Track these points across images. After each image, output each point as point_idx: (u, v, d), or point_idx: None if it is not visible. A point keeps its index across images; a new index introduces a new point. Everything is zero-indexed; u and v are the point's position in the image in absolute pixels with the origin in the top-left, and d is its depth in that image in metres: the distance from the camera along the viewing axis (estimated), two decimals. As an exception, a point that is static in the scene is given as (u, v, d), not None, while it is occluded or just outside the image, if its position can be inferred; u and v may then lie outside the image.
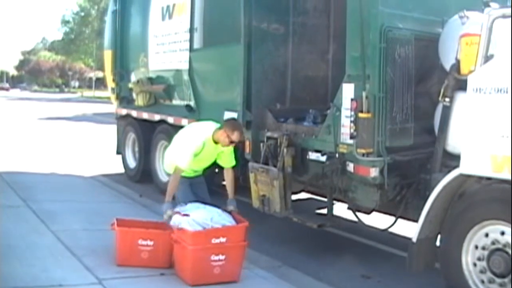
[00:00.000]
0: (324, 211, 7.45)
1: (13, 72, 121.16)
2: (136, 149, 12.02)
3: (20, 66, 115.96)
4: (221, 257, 5.87)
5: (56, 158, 14.62)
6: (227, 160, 6.74)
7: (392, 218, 6.75)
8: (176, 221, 5.96)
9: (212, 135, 6.43)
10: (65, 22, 74.34)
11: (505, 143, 4.92)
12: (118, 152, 12.78)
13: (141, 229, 6.41)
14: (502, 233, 5.08)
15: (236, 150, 7.14)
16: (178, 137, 6.83)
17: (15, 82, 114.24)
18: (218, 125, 6.55)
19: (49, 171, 12.37)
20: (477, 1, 5.95)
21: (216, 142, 6.44)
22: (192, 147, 6.33)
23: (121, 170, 12.57)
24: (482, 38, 5.39)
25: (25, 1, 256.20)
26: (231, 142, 6.38)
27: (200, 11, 9.16)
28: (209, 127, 6.59)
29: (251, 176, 7.55)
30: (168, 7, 10.38)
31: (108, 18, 13.28)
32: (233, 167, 6.84)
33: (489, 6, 5.58)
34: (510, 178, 4.89)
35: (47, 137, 20.47)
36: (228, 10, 8.54)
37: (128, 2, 12.03)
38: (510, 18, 5.22)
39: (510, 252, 5.02)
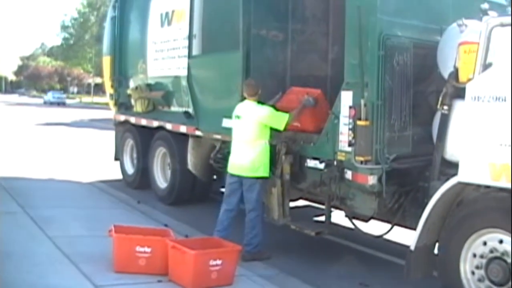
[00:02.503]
0: (322, 218, 7.44)
1: (11, 77, 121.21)
2: (134, 155, 12.02)
3: (18, 71, 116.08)
4: (219, 261, 5.95)
5: (54, 164, 14.61)
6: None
7: (390, 226, 6.75)
8: None
9: (254, 101, 7.22)
10: (64, 28, 74.37)
11: (503, 151, 4.92)
12: (116, 158, 12.78)
13: (138, 236, 6.40)
14: (501, 242, 5.08)
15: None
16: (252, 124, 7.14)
17: (13, 87, 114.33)
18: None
19: (47, 177, 12.36)
20: (475, 9, 5.96)
21: (260, 102, 7.25)
22: (270, 107, 7.17)
23: (119, 176, 12.55)
24: (481, 46, 5.40)
25: (24, 6, 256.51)
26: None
27: (199, 18, 9.16)
28: (252, 104, 7.25)
29: (250, 183, 7.54)
30: (167, 13, 10.39)
31: (107, 24, 13.28)
32: None
33: (487, 14, 5.59)
34: (508, 186, 4.90)
35: (45, 143, 20.46)
36: (227, 17, 8.55)
37: (127, 9, 12.04)
38: (510, 27, 5.22)
39: (508, 260, 5.02)
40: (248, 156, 7.10)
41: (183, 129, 9.71)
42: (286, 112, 7.10)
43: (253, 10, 7.94)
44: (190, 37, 9.27)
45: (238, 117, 7.29)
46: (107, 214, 9.07)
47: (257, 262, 7.06)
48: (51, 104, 65.68)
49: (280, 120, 7.04)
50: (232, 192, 7.31)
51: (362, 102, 6.09)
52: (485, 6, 5.74)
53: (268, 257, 7.16)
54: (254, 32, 8.00)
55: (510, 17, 5.41)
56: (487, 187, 5.22)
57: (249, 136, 7.13)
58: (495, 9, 5.88)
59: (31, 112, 44.78)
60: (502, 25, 5.36)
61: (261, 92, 7.34)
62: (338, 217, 7.49)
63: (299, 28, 8.59)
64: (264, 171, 7.13)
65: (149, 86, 11.01)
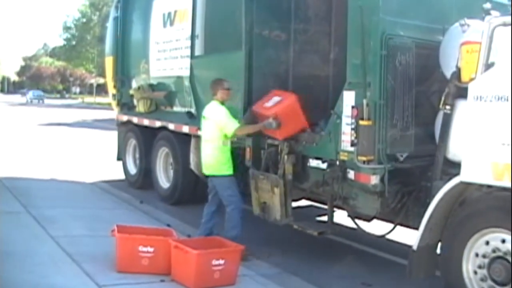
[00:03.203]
0: (325, 218, 7.45)
1: (14, 77, 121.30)
2: (137, 155, 12.04)
3: (21, 72, 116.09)
4: (221, 261, 5.97)
5: (56, 164, 14.63)
6: None
7: (392, 226, 6.75)
8: None
9: (217, 101, 7.31)
10: (66, 28, 74.46)
11: (505, 151, 4.92)
12: (118, 159, 12.79)
13: (141, 235, 6.41)
14: (503, 241, 5.08)
15: (236, 158, 7.24)
16: (209, 125, 7.35)
17: (16, 88, 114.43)
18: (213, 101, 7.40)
19: (50, 177, 12.38)
20: (477, 9, 5.96)
21: (223, 103, 7.29)
22: (225, 111, 7.22)
23: (122, 176, 12.58)
24: (483, 46, 5.40)
25: (26, 7, 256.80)
26: (227, 89, 7.34)
27: (202, 18, 9.18)
28: (213, 104, 7.39)
29: (252, 183, 7.56)
30: (169, 14, 10.41)
31: (109, 25, 13.32)
32: None
33: (489, 14, 5.59)
34: (510, 186, 4.89)
35: (48, 143, 20.49)
36: (229, 17, 8.55)
37: (130, 9, 12.05)
38: (511, 26, 5.22)
39: (510, 260, 5.02)
40: (209, 155, 7.35)
41: (185, 129, 9.72)
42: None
43: (255, 10, 7.94)
44: (193, 37, 9.28)
45: (203, 117, 7.54)
46: (110, 214, 9.08)
47: (260, 262, 7.07)
48: (32, 102, 71.92)
49: (228, 126, 7.15)
50: (210, 190, 7.53)
51: (365, 102, 6.08)
52: (487, 5, 5.74)
53: (250, 253, 7.09)
54: (257, 32, 8.00)
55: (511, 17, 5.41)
56: (490, 186, 5.23)
57: (209, 136, 7.36)
58: (497, 8, 5.87)
59: (33, 112, 44.82)
60: (505, 24, 5.36)
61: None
62: (341, 217, 7.50)
63: (301, 28, 8.58)
64: (226, 170, 7.27)
65: (151, 86, 11.02)
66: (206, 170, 7.44)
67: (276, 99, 7.42)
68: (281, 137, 7.26)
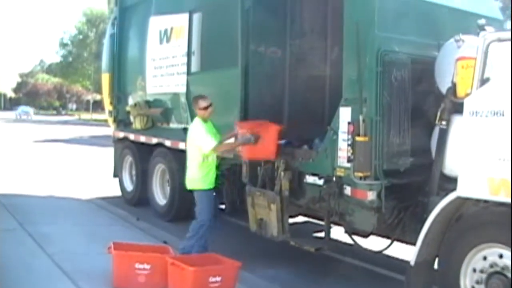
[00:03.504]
0: (322, 234, 7.43)
1: (10, 94, 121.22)
2: (133, 172, 12.02)
3: (17, 88, 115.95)
4: (218, 278, 5.96)
5: (53, 181, 14.60)
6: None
7: (389, 241, 6.74)
8: None
9: (198, 118, 7.33)
10: (63, 45, 74.54)
11: (502, 166, 4.92)
12: (115, 175, 12.76)
13: (138, 252, 6.39)
14: (500, 256, 5.07)
15: (233, 174, 7.26)
16: (189, 142, 7.42)
17: (12, 104, 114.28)
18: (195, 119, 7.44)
19: (46, 194, 12.34)
20: (472, 24, 5.99)
21: (205, 121, 7.30)
22: (203, 131, 7.19)
23: (118, 193, 12.54)
24: (478, 61, 5.42)
25: (23, 24, 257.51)
26: (205, 108, 7.29)
27: (198, 35, 9.21)
28: (194, 122, 7.46)
29: (249, 199, 7.56)
30: (166, 30, 10.43)
31: (106, 41, 13.33)
32: None
33: (484, 29, 5.61)
34: (507, 200, 4.89)
35: (44, 160, 20.46)
36: (225, 34, 8.58)
37: (126, 26, 12.08)
38: (510, 42, 5.23)
39: (508, 275, 5.00)
40: (190, 171, 7.39)
41: (182, 145, 9.70)
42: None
43: (251, 26, 7.98)
44: (189, 54, 9.32)
45: (186, 132, 7.84)
46: (106, 231, 9.05)
47: (257, 278, 7.04)
48: (21, 117, 76.18)
49: (203, 146, 7.14)
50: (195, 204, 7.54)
51: (361, 118, 6.09)
52: (482, 21, 5.76)
53: None
54: (252, 49, 8.04)
55: (510, 33, 5.43)
56: (486, 201, 5.22)
57: (189, 153, 7.43)
58: (492, 24, 5.91)
59: (29, 129, 44.75)
60: (499, 40, 5.39)
61: (259, 112, 7.44)
62: (338, 233, 7.48)
63: (297, 44, 8.62)
64: (204, 184, 7.28)
65: (148, 103, 11.02)
66: (188, 185, 7.48)
67: (260, 122, 7.48)
68: (247, 156, 7.29)
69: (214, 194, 7.47)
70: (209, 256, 6.69)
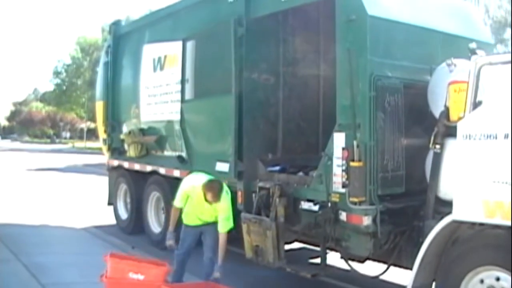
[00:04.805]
0: (318, 260, 7.39)
1: (4, 123, 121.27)
2: (128, 200, 11.98)
3: (11, 117, 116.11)
4: None
5: (47, 210, 14.51)
6: (220, 223, 6.82)
7: (386, 266, 6.71)
8: None
9: (202, 188, 6.71)
10: (56, 74, 74.63)
11: (496, 189, 4.94)
12: (109, 203, 12.71)
13: (132, 280, 6.33)
14: (498, 279, 5.06)
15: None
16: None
17: (6, 132, 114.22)
18: (208, 177, 6.88)
19: (41, 223, 12.26)
20: (463, 49, 6.04)
21: (205, 197, 6.71)
22: (182, 188, 7.02)
23: (113, 221, 12.47)
24: (470, 85, 5.47)
25: (17, 52, 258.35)
26: (206, 200, 6.67)
27: (191, 63, 9.23)
28: (200, 177, 7.01)
29: (244, 226, 7.52)
30: (159, 58, 10.47)
31: (100, 70, 13.37)
32: (228, 232, 6.85)
33: (475, 53, 5.67)
34: (503, 223, 4.90)
35: (38, 188, 20.34)
36: (218, 61, 8.61)
37: (120, 54, 12.12)
38: (510, 65, 5.23)
39: (506, 298, 4.99)
40: None
41: (176, 173, 9.70)
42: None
43: (244, 54, 8.01)
44: (183, 81, 9.34)
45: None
46: (101, 259, 8.96)
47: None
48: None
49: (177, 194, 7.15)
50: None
51: (355, 143, 6.12)
52: (473, 45, 5.83)
53: None
54: (246, 76, 8.06)
55: (501, 56, 5.48)
56: (482, 224, 5.23)
57: None
58: (483, 48, 5.97)
59: (23, 157, 44.58)
60: (491, 63, 5.44)
61: (254, 139, 7.61)
62: (334, 258, 7.44)
63: (290, 71, 8.67)
64: (183, 219, 7.18)
65: (142, 131, 11.02)
66: None
67: None
68: None
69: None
70: (206, 284, 6.64)
